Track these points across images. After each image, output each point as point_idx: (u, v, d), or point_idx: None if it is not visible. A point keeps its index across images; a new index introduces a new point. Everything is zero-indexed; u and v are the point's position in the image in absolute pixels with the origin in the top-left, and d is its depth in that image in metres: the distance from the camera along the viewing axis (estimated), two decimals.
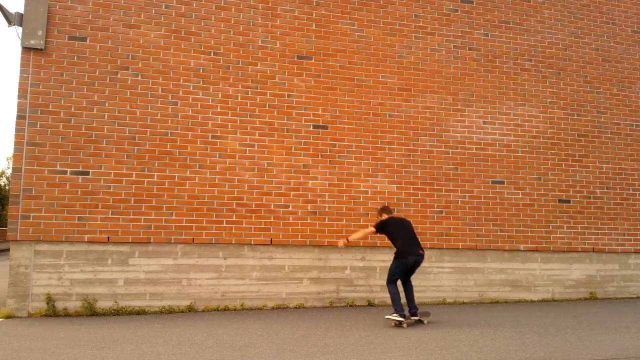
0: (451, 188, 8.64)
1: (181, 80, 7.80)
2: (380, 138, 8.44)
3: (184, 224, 7.57)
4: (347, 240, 6.91)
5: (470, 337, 5.82)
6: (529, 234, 8.87)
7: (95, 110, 7.47)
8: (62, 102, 7.37)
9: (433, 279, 8.43)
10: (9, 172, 38.02)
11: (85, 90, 7.46)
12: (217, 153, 7.81)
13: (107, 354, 4.95)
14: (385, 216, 6.91)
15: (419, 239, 6.82)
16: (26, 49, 7.30)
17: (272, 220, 7.87)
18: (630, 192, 9.48)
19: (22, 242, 7.07)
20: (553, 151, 9.19)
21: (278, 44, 8.23)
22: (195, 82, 7.85)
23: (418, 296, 8.33)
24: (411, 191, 8.47)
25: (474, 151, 8.82)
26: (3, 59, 67.23)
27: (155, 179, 7.55)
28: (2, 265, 16.10)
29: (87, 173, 7.34)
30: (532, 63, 9.29)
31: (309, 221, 8.00)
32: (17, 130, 7.17)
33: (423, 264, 8.38)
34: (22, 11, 7.35)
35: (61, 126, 7.33)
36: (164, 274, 7.46)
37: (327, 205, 8.10)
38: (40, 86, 7.30)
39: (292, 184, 8.02)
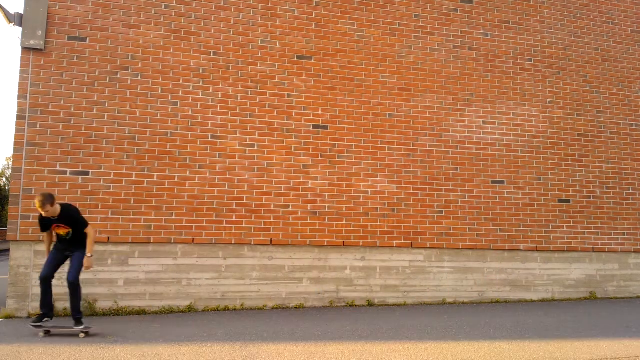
0: (451, 188, 8.64)
1: (181, 80, 7.80)
2: (380, 138, 8.44)
3: (184, 224, 7.56)
4: (89, 256, 5.78)
5: (470, 337, 5.82)
6: (529, 233, 8.87)
7: (95, 111, 7.47)
8: (62, 102, 7.37)
9: (433, 279, 8.43)
10: (9, 172, 38.02)
11: (85, 90, 7.46)
12: (217, 153, 7.80)
13: (108, 354, 4.95)
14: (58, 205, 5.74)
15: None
16: (26, 49, 7.30)
17: (272, 220, 7.87)
18: (630, 192, 9.48)
19: (22, 242, 7.07)
20: (553, 151, 9.19)
21: (278, 44, 8.22)
22: (195, 82, 7.85)
23: (418, 296, 8.34)
24: (411, 191, 8.47)
25: (474, 151, 8.82)
26: (3, 59, 67.21)
27: (155, 179, 7.55)
28: (2, 265, 16.10)
29: (87, 173, 7.34)
30: (532, 63, 9.29)
31: (308, 221, 8.00)
32: (17, 130, 7.16)
33: (422, 264, 8.42)
34: (22, 11, 7.35)
35: (61, 126, 7.32)
36: (164, 274, 7.46)
37: (327, 205, 8.10)
38: (40, 86, 7.30)
39: (292, 184, 8.02)
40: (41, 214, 5.68)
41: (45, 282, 5.70)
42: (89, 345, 5.27)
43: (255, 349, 5.19)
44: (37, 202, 5.56)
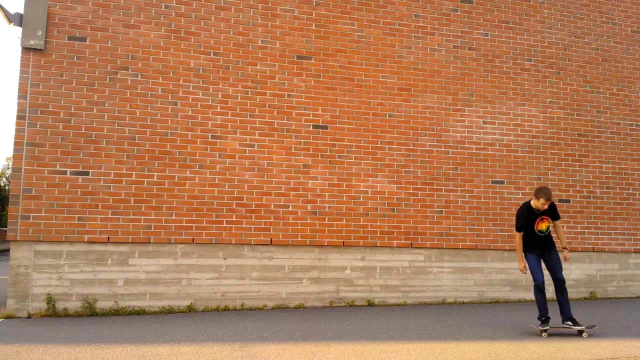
0: (451, 188, 8.64)
1: (181, 80, 7.80)
2: (380, 138, 8.44)
3: (183, 224, 7.57)
4: (567, 248, 6.13)
5: (470, 337, 5.82)
6: None
7: (95, 111, 7.47)
8: (62, 102, 7.37)
9: (433, 279, 8.43)
10: (9, 172, 38.02)
11: (85, 90, 7.46)
12: (217, 153, 7.81)
13: (107, 354, 4.95)
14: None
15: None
16: (26, 49, 7.30)
17: (272, 220, 7.87)
18: (630, 191, 9.49)
19: (22, 242, 7.07)
20: (553, 151, 9.19)
21: (278, 44, 8.23)
22: (195, 82, 7.85)
23: (418, 296, 8.34)
24: (411, 191, 8.47)
25: (474, 151, 8.82)
26: (3, 59, 67.22)
27: (155, 179, 7.55)
28: (2, 265, 16.11)
29: (87, 173, 7.34)
30: (532, 63, 9.29)
31: (308, 221, 8.00)
32: (17, 130, 7.17)
33: (422, 264, 8.42)
34: (22, 11, 7.35)
35: (61, 126, 7.33)
36: (164, 274, 7.46)
37: (327, 205, 8.10)
38: (40, 86, 7.30)
39: (292, 184, 8.02)
40: (529, 210, 5.74)
41: (543, 286, 5.79)
42: (89, 345, 5.28)
43: (255, 349, 5.19)
44: (544, 198, 5.55)
